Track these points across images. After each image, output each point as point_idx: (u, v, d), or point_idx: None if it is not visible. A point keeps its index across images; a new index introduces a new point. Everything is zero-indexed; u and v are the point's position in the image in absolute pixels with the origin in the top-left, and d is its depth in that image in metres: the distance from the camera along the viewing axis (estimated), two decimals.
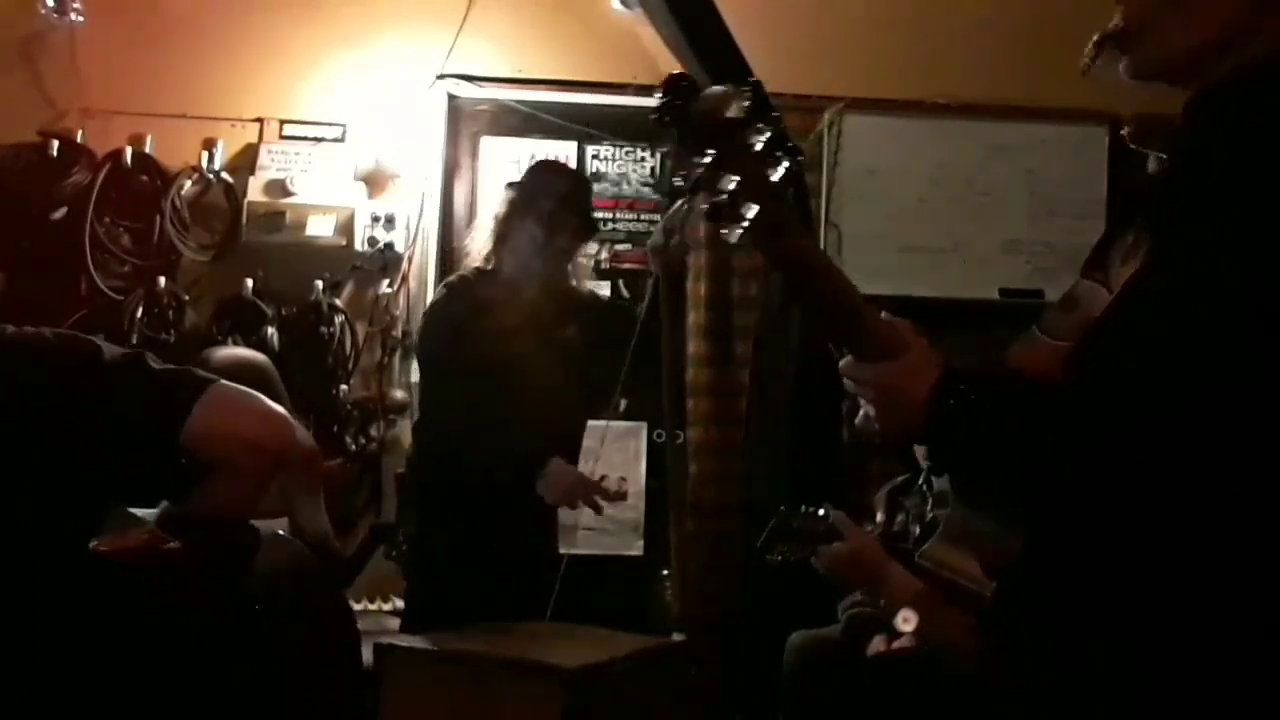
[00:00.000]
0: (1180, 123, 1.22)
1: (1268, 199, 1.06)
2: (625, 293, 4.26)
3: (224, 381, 1.59)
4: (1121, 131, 1.40)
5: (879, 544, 2.93)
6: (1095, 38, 1.30)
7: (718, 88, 1.19)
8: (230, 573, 1.65)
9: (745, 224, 1.17)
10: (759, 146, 1.17)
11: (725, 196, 1.17)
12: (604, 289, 4.20)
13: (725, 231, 1.18)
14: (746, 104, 1.17)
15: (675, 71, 1.22)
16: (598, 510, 3.20)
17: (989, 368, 1.24)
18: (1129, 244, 1.24)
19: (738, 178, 1.17)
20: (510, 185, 3.36)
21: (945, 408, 1.19)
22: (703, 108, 1.17)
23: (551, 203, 3.20)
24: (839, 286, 1.25)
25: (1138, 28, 1.25)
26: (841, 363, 1.27)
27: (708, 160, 1.17)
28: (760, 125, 1.17)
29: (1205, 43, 1.20)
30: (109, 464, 1.51)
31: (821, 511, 2.91)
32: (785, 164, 1.18)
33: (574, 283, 3.37)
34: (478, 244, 3.30)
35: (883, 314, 1.28)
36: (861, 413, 1.28)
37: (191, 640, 1.56)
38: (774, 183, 1.18)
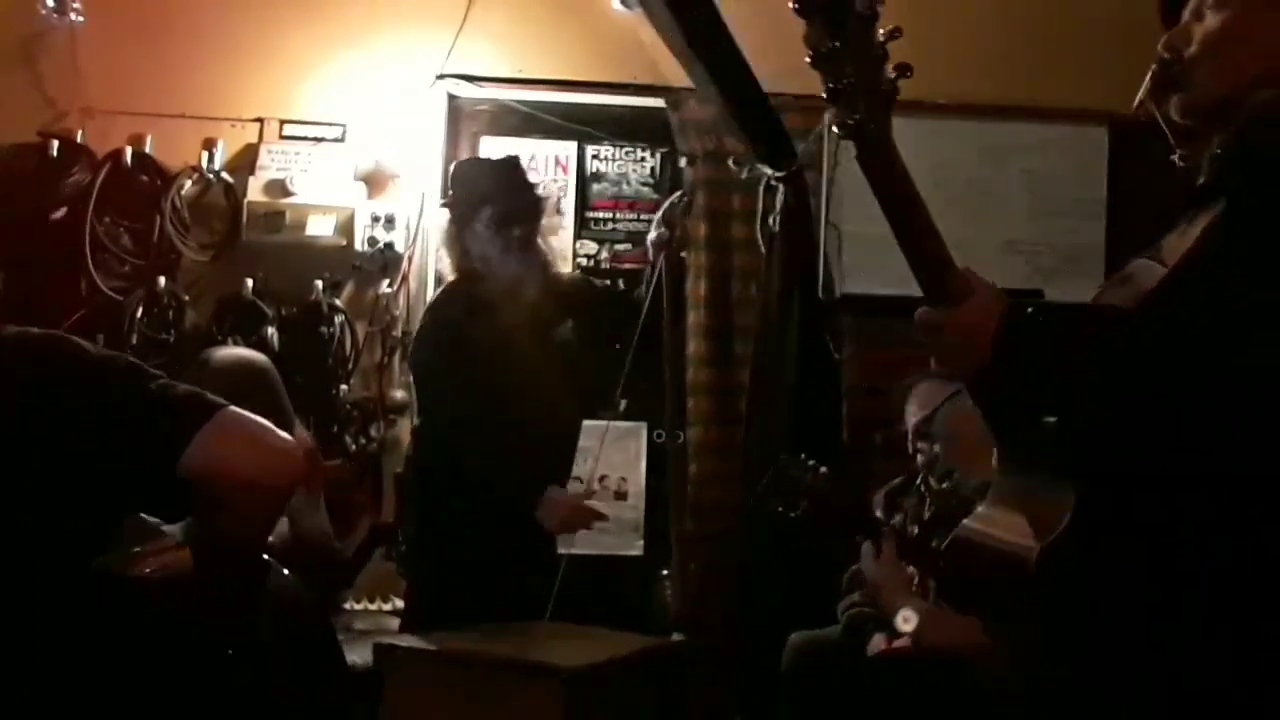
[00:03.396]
0: (1237, 134, 1.28)
1: None
2: (623, 288, 4.25)
3: (231, 409, 1.47)
4: (1173, 157, 1.46)
5: (898, 574, 2.97)
6: (1147, 82, 1.39)
7: None
8: (233, 603, 1.60)
9: (850, 123, 1.24)
10: (878, 51, 1.24)
11: (844, 84, 1.23)
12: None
13: (835, 124, 1.25)
14: (878, 3, 1.23)
15: None
16: (590, 524, 3.29)
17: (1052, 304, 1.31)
18: (1180, 230, 1.30)
19: (854, 74, 1.24)
20: (443, 204, 3.35)
21: (1010, 335, 1.25)
22: None
23: (490, 199, 3.17)
24: (926, 219, 1.31)
25: (1181, 74, 1.34)
26: (919, 312, 1.33)
27: (834, 47, 1.23)
28: (884, 31, 1.23)
29: (1250, 82, 1.28)
30: (104, 477, 1.44)
31: (824, 469, 2.95)
32: (897, 75, 1.25)
33: (556, 273, 3.36)
34: (445, 268, 3.31)
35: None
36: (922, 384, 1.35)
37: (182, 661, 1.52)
38: (884, 93, 1.25)
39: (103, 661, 1.45)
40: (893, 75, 1.26)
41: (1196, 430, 1.13)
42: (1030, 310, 1.27)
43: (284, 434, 1.55)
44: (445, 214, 3.31)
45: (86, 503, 1.46)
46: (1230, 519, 1.13)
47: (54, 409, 1.43)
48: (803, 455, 3.01)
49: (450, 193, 3.33)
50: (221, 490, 1.46)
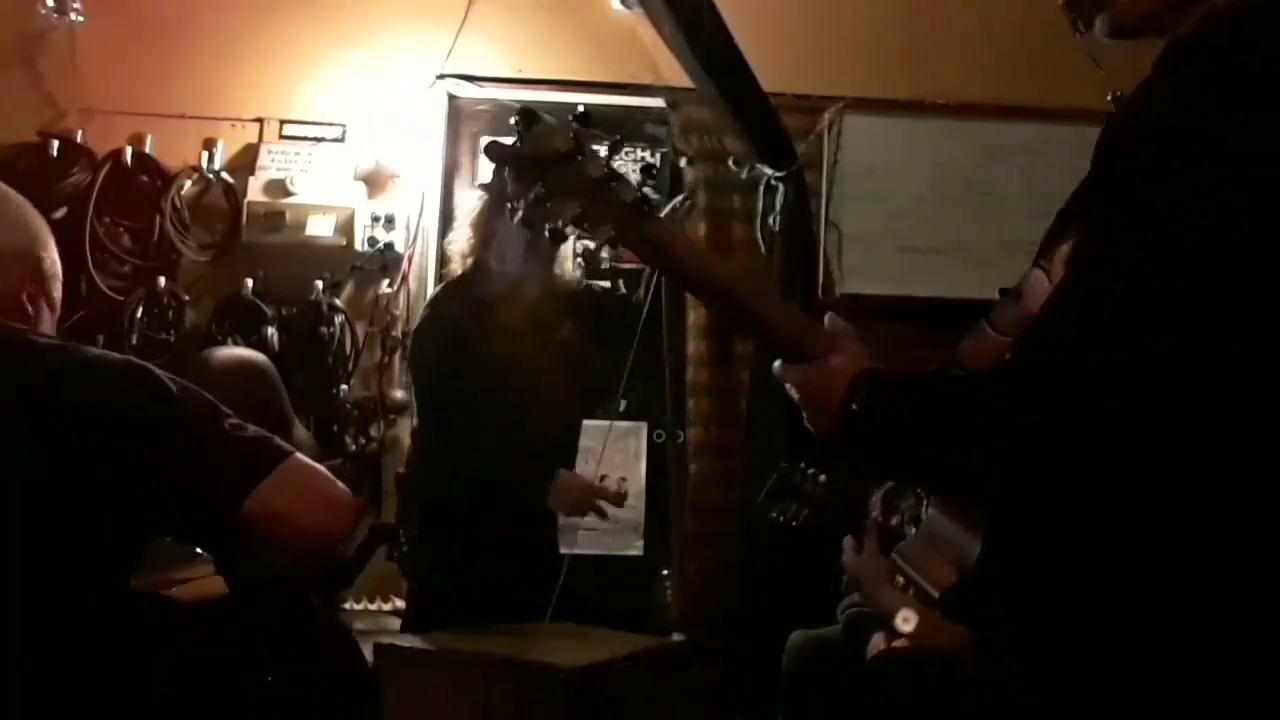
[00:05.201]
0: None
1: (1206, 151, 0.98)
2: (624, 292, 4.25)
3: (297, 457, 1.51)
4: (1109, 97, 1.42)
5: (879, 568, 2.98)
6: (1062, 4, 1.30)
7: (544, 125, 1.25)
8: (273, 632, 1.62)
9: (607, 241, 1.24)
10: (597, 173, 1.24)
11: (563, 224, 1.25)
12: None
13: (596, 245, 1.26)
14: (573, 136, 1.23)
15: (527, 108, 1.29)
16: (603, 516, 3.22)
17: (916, 368, 1.25)
18: (1075, 231, 1.24)
19: (578, 204, 1.23)
20: (485, 186, 3.29)
21: (852, 407, 1.22)
22: (527, 146, 1.24)
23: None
24: (730, 289, 1.29)
25: None
26: (774, 365, 1.32)
27: (538, 193, 1.24)
28: (601, 153, 1.24)
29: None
30: (167, 510, 1.46)
31: (822, 478, 2.95)
32: (641, 181, 1.26)
33: (561, 275, 3.34)
34: (458, 249, 3.28)
35: (827, 316, 1.33)
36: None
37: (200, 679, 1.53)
38: (627, 203, 1.25)
39: (142, 683, 1.46)
40: (638, 181, 1.26)
41: (1088, 461, 1.03)
42: (869, 387, 1.21)
43: (342, 485, 1.57)
44: (483, 195, 3.25)
45: (139, 529, 1.48)
46: (1139, 545, 1.04)
47: (126, 435, 1.43)
48: (802, 464, 3.01)
49: (497, 180, 3.26)
50: (279, 535, 1.49)
